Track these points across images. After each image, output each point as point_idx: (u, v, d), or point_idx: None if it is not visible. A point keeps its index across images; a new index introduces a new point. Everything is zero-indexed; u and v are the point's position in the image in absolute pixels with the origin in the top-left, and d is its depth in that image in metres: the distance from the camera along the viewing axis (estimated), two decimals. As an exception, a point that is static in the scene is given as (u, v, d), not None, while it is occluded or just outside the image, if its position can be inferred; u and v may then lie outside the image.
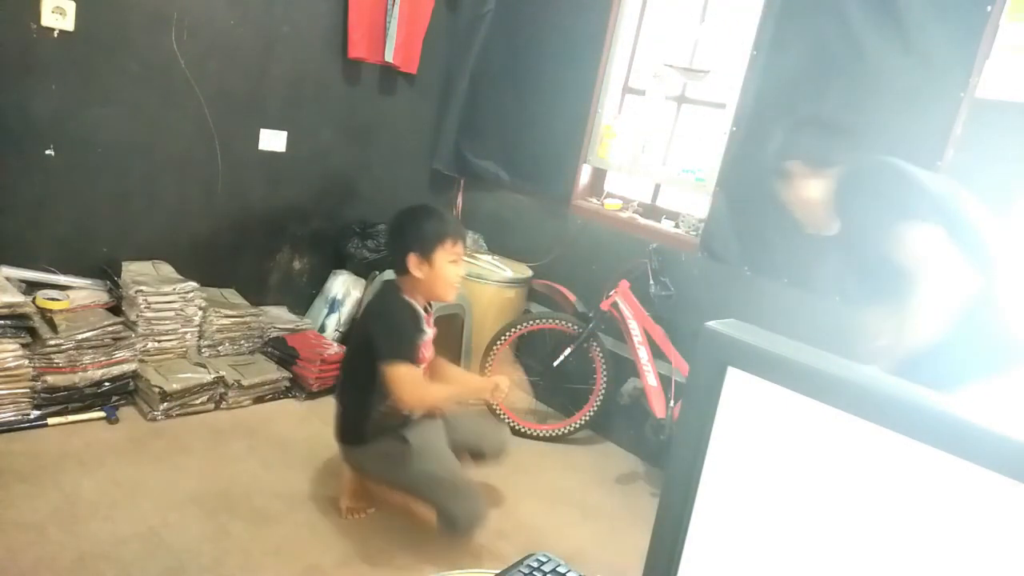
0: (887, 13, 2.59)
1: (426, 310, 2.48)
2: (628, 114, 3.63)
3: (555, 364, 3.31)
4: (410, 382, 2.26)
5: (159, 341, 3.03)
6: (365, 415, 2.40)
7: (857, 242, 2.06)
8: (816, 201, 2.13)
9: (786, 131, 2.24)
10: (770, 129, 2.39)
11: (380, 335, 2.31)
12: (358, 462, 2.49)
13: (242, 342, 3.32)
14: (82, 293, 2.98)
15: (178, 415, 2.92)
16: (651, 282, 3.17)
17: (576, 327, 3.30)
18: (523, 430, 3.41)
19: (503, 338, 3.39)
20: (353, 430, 2.45)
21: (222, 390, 3.06)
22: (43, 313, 2.78)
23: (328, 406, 2.92)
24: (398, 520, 2.52)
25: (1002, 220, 2.19)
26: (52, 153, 2.89)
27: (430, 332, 2.49)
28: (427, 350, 2.48)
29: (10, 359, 2.58)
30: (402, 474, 2.36)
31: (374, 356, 2.28)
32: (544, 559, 0.97)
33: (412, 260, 2.34)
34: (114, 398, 2.87)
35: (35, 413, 2.66)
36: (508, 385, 2.48)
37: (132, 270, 3.06)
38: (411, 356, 2.30)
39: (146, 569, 2.09)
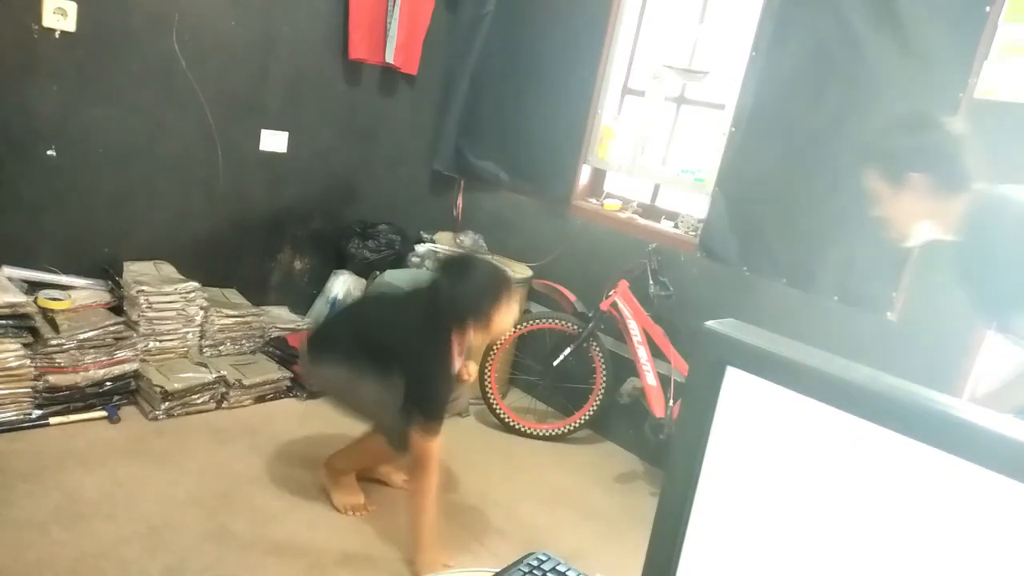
0: (886, 13, 2.60)
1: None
2: (628, 115, 3.63)
3: (555, 364, 3.31)
4: (434, 457, 2.29)
5: (160, 341, 3.03)
6: (342, 351, 2.40)
7: (976, 286, 1.94)
8: (920, 218, 1.91)
9: (911, 133, 1.92)
10: (882, 122, 2.21)
11: (422, 390, 2.30)
12: (319, 376, 2.54)
13: (243, 342, 3.32)
14: (84, 293, 2.98)
15: (179, 415, 2.93)
16: (650, 282, 3.18)
17: (576, 327, 3.30)
18: (523, 429, 3.42)
19: (503, 338, 3.40)
20: (324, 346, 2.47)
21: (223, 390, 3.07)
22: (45, 313, 2.78)
23: (328, 407, 2.92)
24: (398, 520, 2.52)
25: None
26: (54, 153, 2.90)
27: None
28: None
29: (12, 359, 2.59)
30: (354, 394, 2.43)
31: (393, 366, 2.31)
32: (544, 558, 0.97)
33: (470, 329, 2.36)
34: (116, 398, 2.87)
35: (37, 413, 2.67)
36: (475, 369, 2.69)
37: (134, 270, 3.07)
38: (441, 424, 2.30)
39: (147, 568, 2.10)
